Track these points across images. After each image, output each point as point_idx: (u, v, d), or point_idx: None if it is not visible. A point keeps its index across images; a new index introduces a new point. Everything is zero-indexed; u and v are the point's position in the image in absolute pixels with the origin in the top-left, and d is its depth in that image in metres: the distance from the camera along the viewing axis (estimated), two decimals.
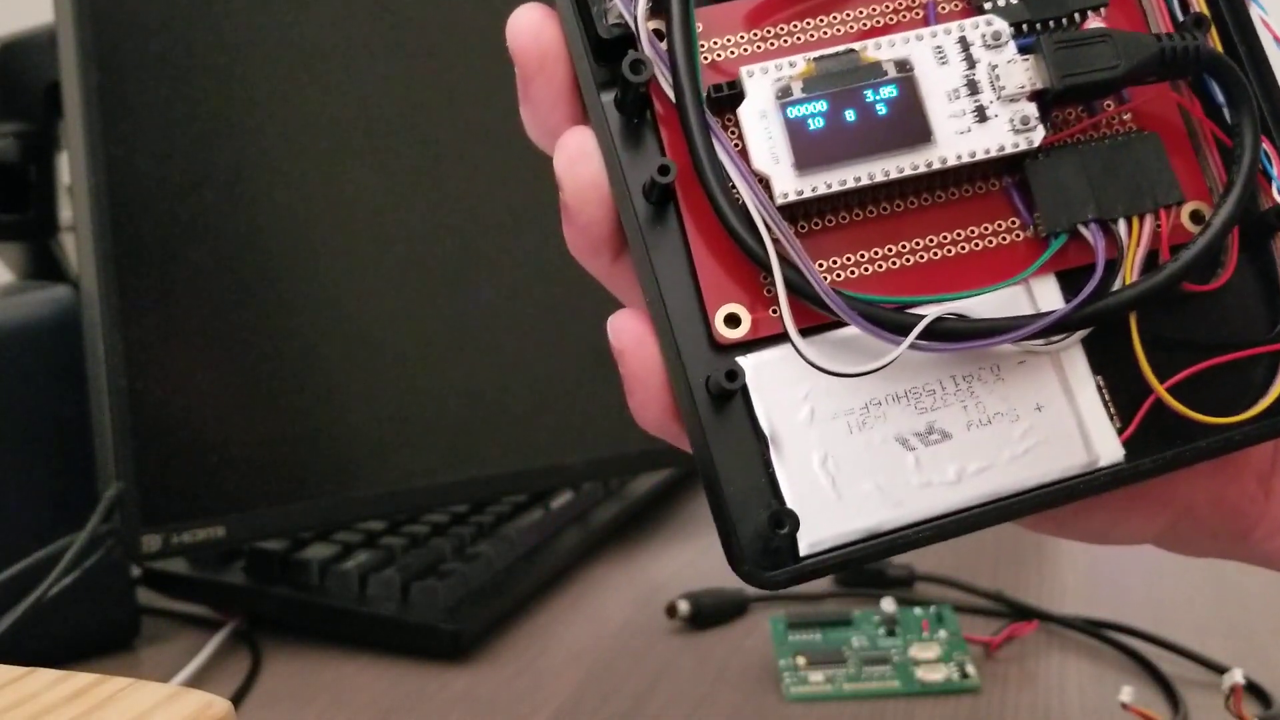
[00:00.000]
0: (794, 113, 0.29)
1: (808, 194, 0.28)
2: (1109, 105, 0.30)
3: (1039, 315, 0.28)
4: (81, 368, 0.53)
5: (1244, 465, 0.32)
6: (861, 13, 0.30)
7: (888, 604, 0.53)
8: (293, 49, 0.58)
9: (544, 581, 0.61)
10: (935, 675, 0.49)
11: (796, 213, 0.29)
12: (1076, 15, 0.30)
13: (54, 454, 0.54)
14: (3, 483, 0.53)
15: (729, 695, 0.50)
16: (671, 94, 0.29)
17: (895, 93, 0.29)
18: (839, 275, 0.29)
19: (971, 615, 0.56)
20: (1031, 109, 0.29)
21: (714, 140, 0.28)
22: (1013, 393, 0.29)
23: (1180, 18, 0.30)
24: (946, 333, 0.28)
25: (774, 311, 0.29)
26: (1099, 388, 0.29)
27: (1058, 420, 0.29)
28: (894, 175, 0.28)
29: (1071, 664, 0.51)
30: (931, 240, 0.30)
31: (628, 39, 0.29)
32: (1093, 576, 0.60)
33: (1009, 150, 0.29)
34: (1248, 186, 0.29)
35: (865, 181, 0.28)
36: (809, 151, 0.28)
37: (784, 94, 0.29)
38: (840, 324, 0.28)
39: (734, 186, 0.28)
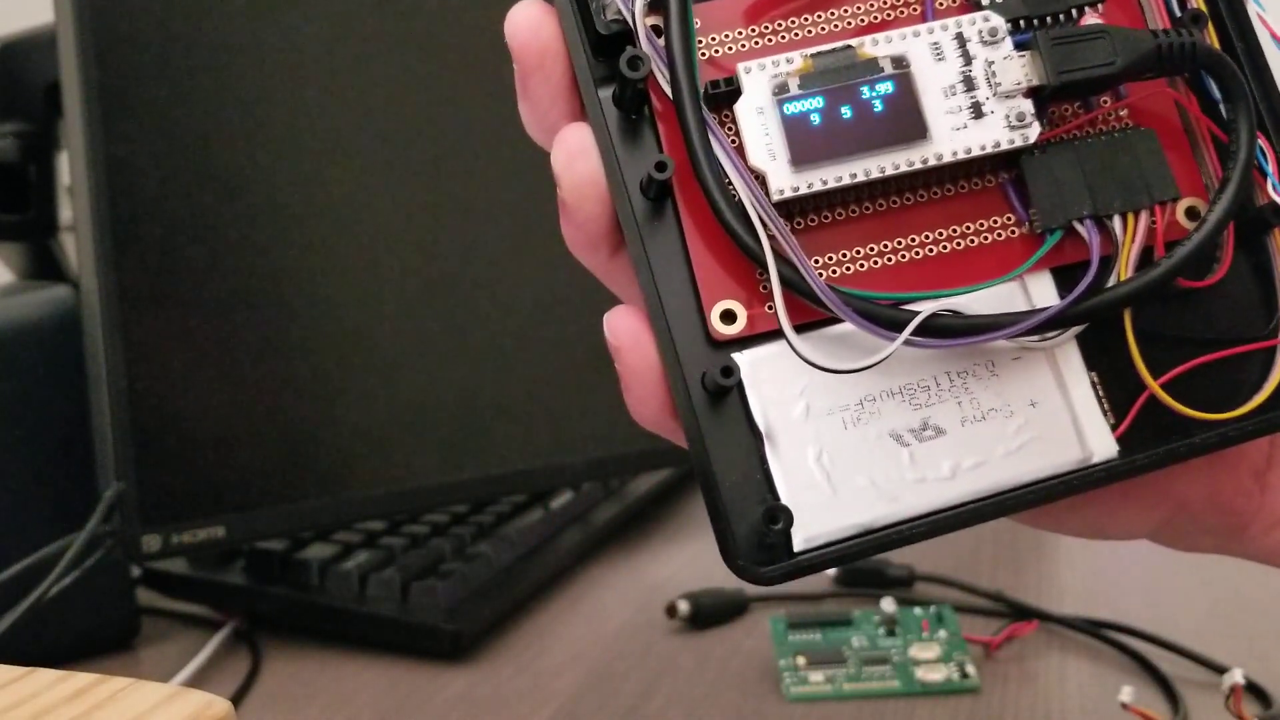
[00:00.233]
0: (791, 109, 0.29)
1: (804, 190, 0.28)
2: (1105, 101, 0.30)
3: (1034, 311, 0.28)
4: (81, 368, 0.53)
5: (1239, 461, 0.33)
6: (859, 9, 0.30)
7: (888, 604, 0.53)
8: (293, 49, 0.58)
9: (544, 581, 0.61)
10: (935, 675, 0.49)
11: (792, 209, 0.29)
12: (1073, 11, 0.29)
13: (54, 454, 0.54)
14: (3, 483, 0.53)
15: (729, 695, 0.50)
16: (669, 90, 0.29)
17: (892, 89, 0.29)
18: (834, 271, 0.29)
19: (971, 615, 0.56)
20: (1027, 105, 0.29)
21: (711, 136, 0.28)
22: (1007, 388, 0.29)
23: (1178, 14, 0.30)
24: (941, 329, 0.28)
25: (770, 308, 0.29)
26: (1093, 384, 0.29)
27: (1052, 416, 0.29)
28: (890, 172, 0.29)
29: (1071, 664, 0.51)
30: (927, 236, 0.30)
31: (626, 35, 0.29)
32: (1092, 576, 0.60)
33: (1005, 146, 0.29)
34: (1243, 183, 0.29)
35: (861, 178, 0.28)
36: (805, 148, 0.28)
37: (781, 90, 0.29)
38: (836, 320, 0.28)
39: (731, 183, 0.28)
